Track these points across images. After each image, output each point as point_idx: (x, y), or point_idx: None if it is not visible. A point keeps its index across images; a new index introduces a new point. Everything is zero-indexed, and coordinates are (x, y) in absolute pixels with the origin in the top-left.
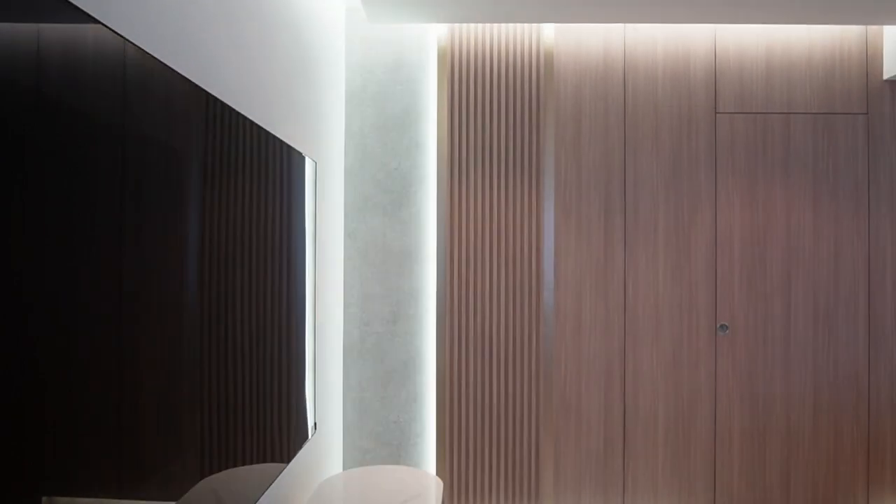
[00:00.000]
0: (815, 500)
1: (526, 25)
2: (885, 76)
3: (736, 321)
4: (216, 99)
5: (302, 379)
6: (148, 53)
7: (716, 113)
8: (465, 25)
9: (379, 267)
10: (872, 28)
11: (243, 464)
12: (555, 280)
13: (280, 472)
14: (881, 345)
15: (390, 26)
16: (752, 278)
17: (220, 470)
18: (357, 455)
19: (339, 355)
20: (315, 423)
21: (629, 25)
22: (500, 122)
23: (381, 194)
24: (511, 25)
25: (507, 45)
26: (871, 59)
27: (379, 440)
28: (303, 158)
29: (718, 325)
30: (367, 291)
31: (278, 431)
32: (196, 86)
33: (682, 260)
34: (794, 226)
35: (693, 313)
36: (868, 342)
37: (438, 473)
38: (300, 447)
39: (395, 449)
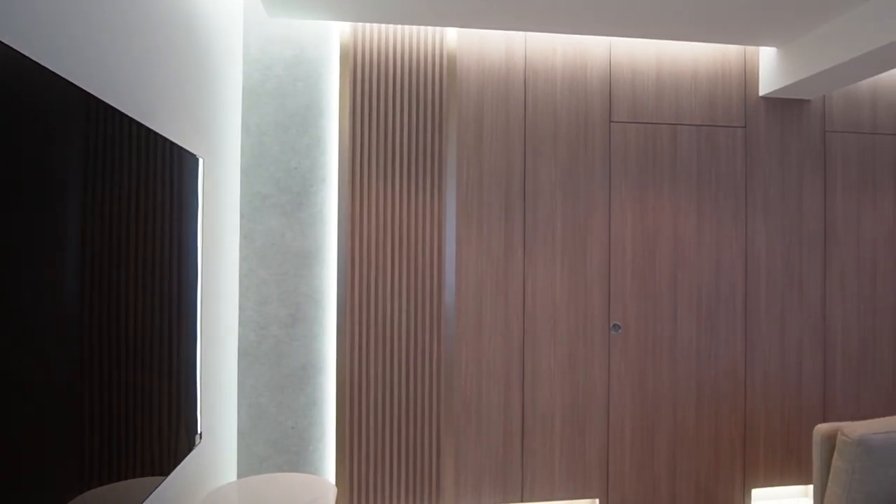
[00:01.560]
0: (697, 486)
1: (429, 28)
2: (761, 93)
3: (628, 321)
4: (93, 97)
5: (188, 386)
6: (10, 48)
7: (610, 121)
8: (368, 25)
9: (277, 269)
10: (750, 48)
11: (115, 479)
12: (456, 282)
13: (157, 486)
14: (756, 341)
15: (291, 21)
16: (642, 280)
17: (88, 489)
18: (253, 463)
19: (233, 360)
20: (201, 433)
21: (530, 33)
22: (403, 123)
23: (280, 194)
24: (415, 27)
25: (410, 46)
26: (748, 76)
27: (276, 447)
28: (192, 157)
29: (612, 325)
30: (264, 294)
31: (157, 442)
32: (70, 83)
33: (578, 262)
34: (680, 230)
35: (588, 314)
36: (745, 339)
37: (338, 478)
38: (183, 458)
39: (294, 456)
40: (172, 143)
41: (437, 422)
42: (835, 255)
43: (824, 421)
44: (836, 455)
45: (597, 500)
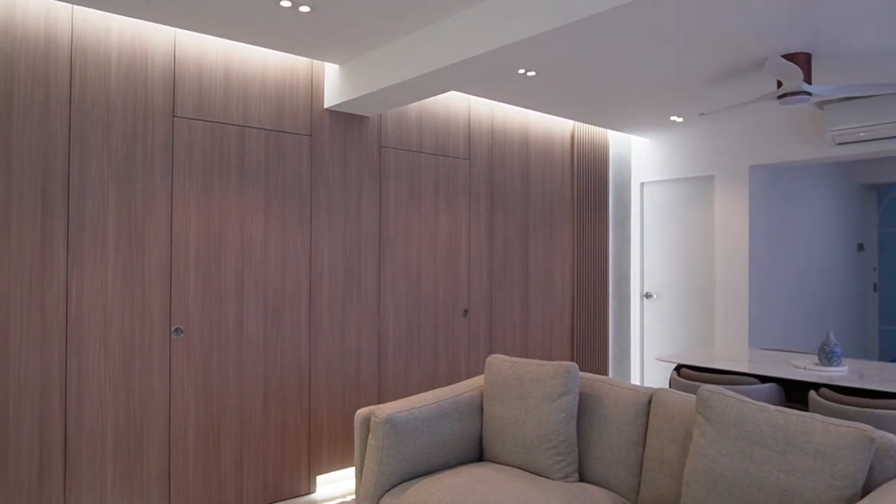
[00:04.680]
0: (265, 481)
1: None
2: (326, 105)
3: (192, 323)
4: None
5: None
6: None
7: (174, 116)
8: None
9: None
10: (317, 62)
11: None
12: None
13: None
14: (319, 337)
15: None
16: (207, 280)
17: None
18: None
19: None
20: None
21: (78, 7)
22: None
23: None
24: None
25: None
26: (315, 89)
27: None
28: None
29: (174, 329)
30: None
31: None
32: None
33: (134, 263)
34: (247, 231)
35: (147, 317)
36: (309, 335)
37: None
38: None
39: None
40: None
41: None
42: (388, 255)
43: (380, 403)
44: (370, 434)
45: None
